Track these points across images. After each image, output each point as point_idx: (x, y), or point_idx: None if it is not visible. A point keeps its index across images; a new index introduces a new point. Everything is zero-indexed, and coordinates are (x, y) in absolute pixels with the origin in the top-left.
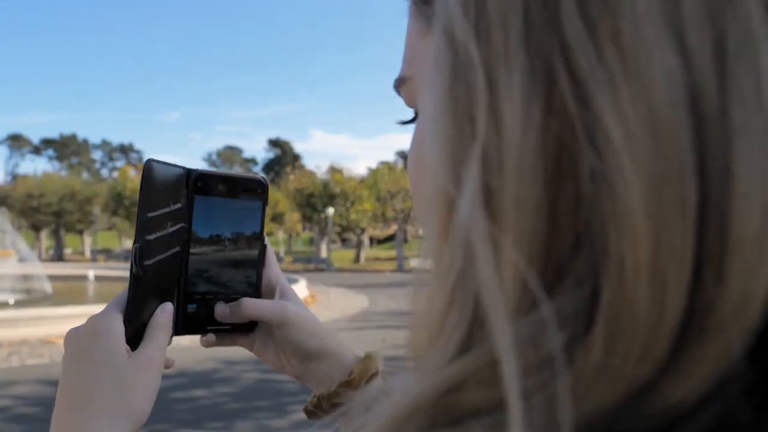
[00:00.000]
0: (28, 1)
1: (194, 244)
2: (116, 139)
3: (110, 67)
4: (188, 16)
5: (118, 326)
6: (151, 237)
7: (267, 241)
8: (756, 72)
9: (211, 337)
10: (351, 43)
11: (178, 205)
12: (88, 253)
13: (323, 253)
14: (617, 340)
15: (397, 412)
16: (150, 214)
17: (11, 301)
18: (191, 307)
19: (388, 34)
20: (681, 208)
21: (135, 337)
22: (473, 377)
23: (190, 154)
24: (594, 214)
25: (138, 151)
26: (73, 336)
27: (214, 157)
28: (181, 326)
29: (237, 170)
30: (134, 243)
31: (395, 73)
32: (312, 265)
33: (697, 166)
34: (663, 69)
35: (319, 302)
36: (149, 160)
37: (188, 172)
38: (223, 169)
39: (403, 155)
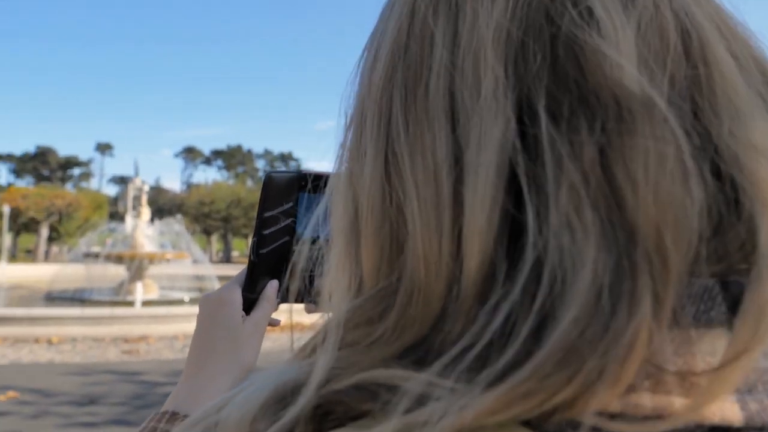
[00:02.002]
0: (199, 16)
1: (298, 230)
2: (277, 148)
3: (268, 79)
4: (335, 28)
5: (237, 297)
6: (266, 232)
7: None
8: (478, 127)
9: (311, 305)
10: None
11: (290, 204)
12: None
13: None
14: (407, 308)
15: (310, 340)
16: (266, 214)
17: (186, 298)
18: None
19: None
20: (440, 225)
21: (249, 305)
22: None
23: None
24: (403, 232)
25: (297, 159)
26: (204, 302)
27: None
28: (288, 296)
29: None
30: (253, 237)
31: None
32: None
33: (457, 198)
34: (438, 140)
35: None
36: (268, 174)
37: (298, 174)
38: None
39: None
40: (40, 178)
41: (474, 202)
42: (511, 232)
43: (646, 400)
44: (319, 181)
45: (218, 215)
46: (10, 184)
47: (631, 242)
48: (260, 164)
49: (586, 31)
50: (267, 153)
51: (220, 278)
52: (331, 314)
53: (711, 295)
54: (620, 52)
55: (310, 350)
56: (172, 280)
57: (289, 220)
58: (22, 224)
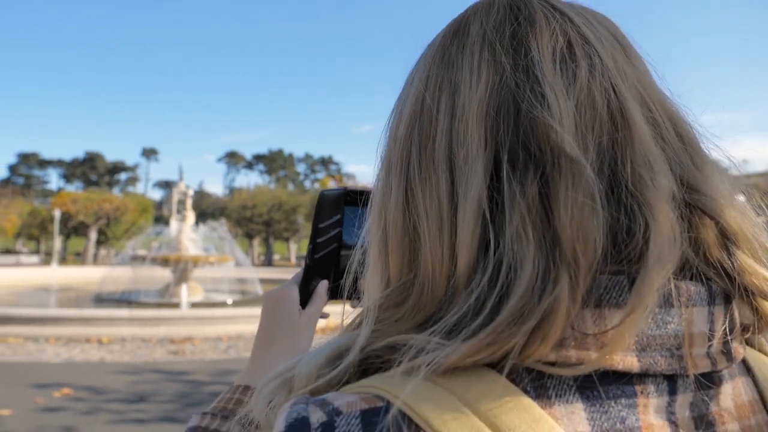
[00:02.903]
0: (240, 21)
1: (344, 239)
2: (317, 152)
3: (308, 84)
4: (374, 33)
5: (294, 294)
6: (320, 240)
7: None
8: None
9: (356, 302)
10: None
11: (338, 216)
12: (293, 259)
13: None
14: (420, 296)
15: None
16: (320, 225)
17: (229, 301)
18: (342, 282)
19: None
20: (442, 241)
21: (304, 301)
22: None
23: None
24: (417, 245)
25: (336, 163)
26: (267, 297)
27: None
28: (336, 294)
29: None
30: (309, 244)
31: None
32: None
33: (453, 222)
34: (440, 182)
35: None
36: (321, 192)
37: (344, 190)
38: None
39: None
40: (88, 183)
41: (463, 225)
42: (486, 242)
43: (572, 353)
44: (360, 196)
45: (260, 219)
46: (60, 189)
47: (556, 250)
48: (301, 168)
49: (538, 109)
50: (307, 157)
51: (262, 281)
52: (369, 302)
53: (620, 286)
54: (562, 125)
55: (356, 325)
56: (215, 283)
57: (337, 230)
58: (72, 228)
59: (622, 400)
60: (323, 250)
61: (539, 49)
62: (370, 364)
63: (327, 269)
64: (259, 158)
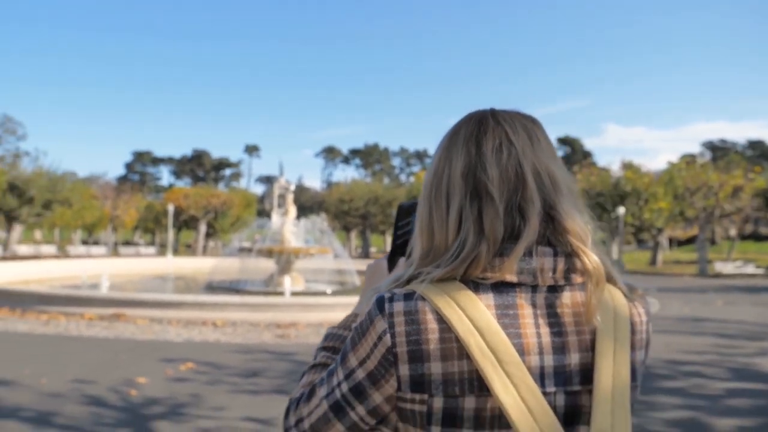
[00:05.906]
0: (334, 17)
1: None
2: (412, 146)
3: (404, 79)
4: (464, 28)
5: (384, 265)
6: (399, 233)
7: None
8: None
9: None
10: (654, 40)
11: (410, 218)
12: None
13: (614, 255)
14: (435, 254)
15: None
16: (399, 224)
17: (328, 290)
18: None
19: (695, 24)
20: (443, 230)
21: (390, 268)
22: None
23: None
24: (433, 232)
25: (431, 157)
26: (369, 266)
27: None
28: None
29: None
30: (393, 235)
31: (703, 61)
32: None
33: (448, 222)
34: (443, 206)
35: None
36: (400, 204)
37: (415, 202)
38: None
39: (710, 146)
40: (196, 179)
41: (450, 225)
42: (458, 232)
43: (488, 274)
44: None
45: (357, 213)
46: (171, 185)
47: (482, 235)
48: (396, 162)
49: (483, 175)
50: (402, 151)
51: (360, 273)
52: (414, 257)
53: (511, 247)
54: (492, 183)
55: (408, 266)
56: (315, 274)
57: (409, 227)
58: (182, 221)
59: (510, 293)
60: (401, 239)
61: (486, 146)
62: (411, 280)
63: (403, 250)
64: (355, 153)
